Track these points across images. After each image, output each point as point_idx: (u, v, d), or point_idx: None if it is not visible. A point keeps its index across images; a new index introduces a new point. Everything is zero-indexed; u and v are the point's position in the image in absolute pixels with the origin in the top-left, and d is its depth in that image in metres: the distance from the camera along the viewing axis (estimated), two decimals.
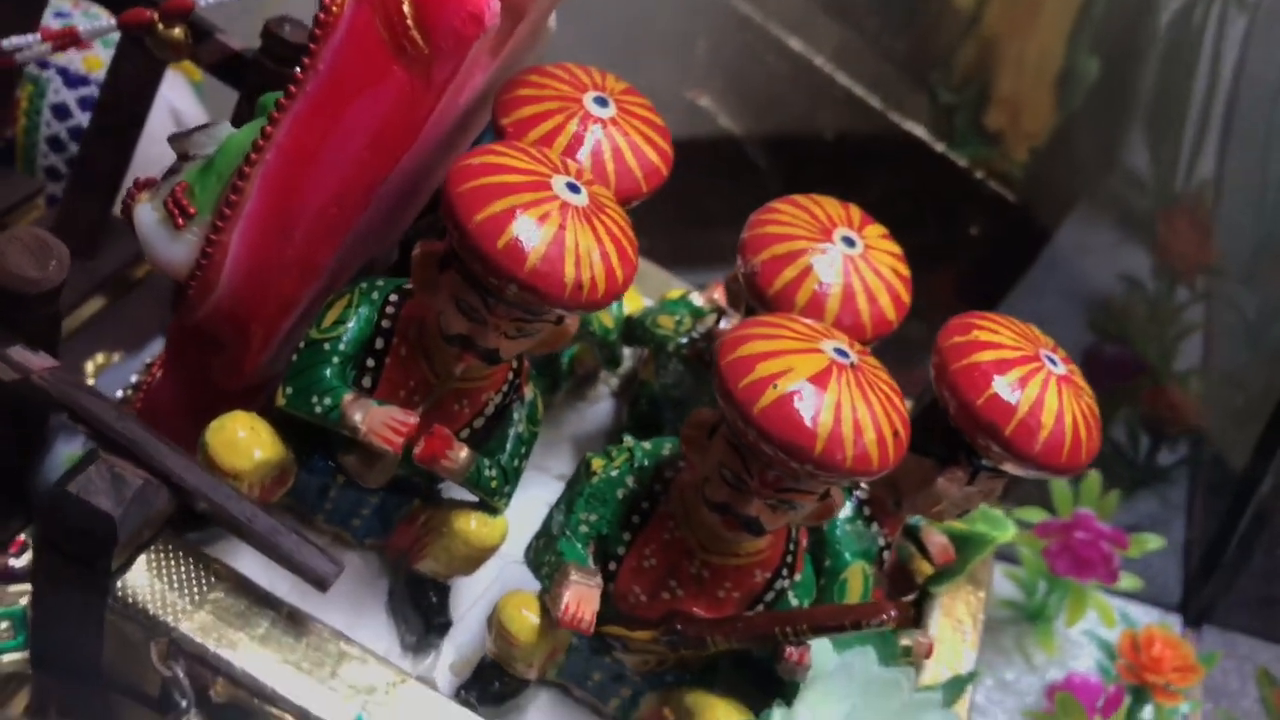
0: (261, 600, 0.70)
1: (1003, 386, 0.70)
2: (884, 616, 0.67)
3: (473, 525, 0.74)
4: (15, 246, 0.66)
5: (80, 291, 0.89)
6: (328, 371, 0.70)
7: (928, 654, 0.81)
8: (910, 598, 0.85)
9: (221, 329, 0.70)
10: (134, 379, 0.86)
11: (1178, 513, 1.33)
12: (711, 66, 1.38)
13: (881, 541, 0.78)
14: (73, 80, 1.02)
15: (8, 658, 0.72)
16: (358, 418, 0.69)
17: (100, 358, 0.87)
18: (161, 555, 0.69)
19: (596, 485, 0.72)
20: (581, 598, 0.70)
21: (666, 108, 0.81)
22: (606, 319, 0.86)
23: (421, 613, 0.76)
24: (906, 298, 0.78)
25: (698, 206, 1.22)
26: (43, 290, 0.66)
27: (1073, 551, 1.11)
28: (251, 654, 0.68)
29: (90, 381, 0.85)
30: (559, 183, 0.66)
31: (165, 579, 0.69)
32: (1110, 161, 1.33)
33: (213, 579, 0.70)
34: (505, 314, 0.67)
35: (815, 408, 0.63)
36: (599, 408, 0.98)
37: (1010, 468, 0.72)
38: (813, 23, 1.33)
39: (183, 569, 0.70)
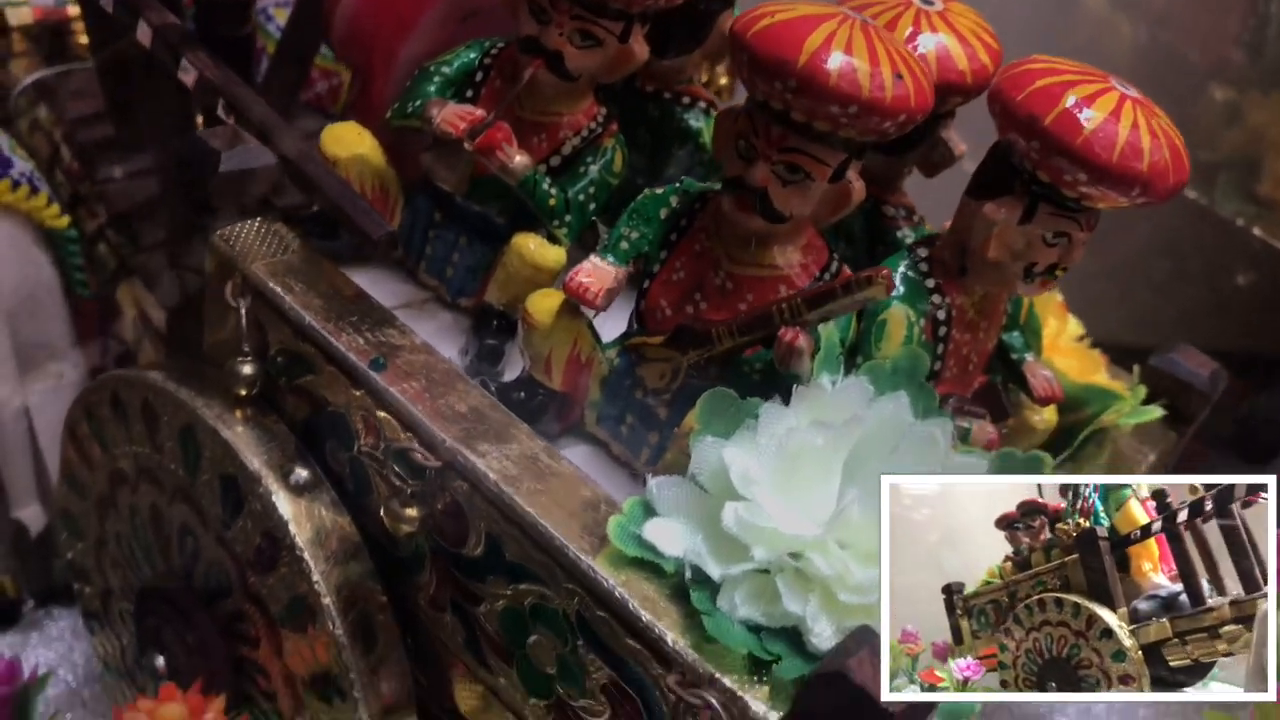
0: (327, 272, 0.78)
1: (1047, 83, 0.66)
2: (873, 277, 0.63)
3: (531, 245, 0.78)
4: None
5: None
6: (429, 87, 0.79)
7: (988, 447, 0.71)
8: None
9: (353, 53, 0.83)
10: None
11: None
12: None
13: (936, 300, 0.72)
14: None
15: None
16: (434, 111, 0.77)
17: None
18: (262, 223, 0.79)
19: (641, 202, 0.74)
20: (596, 273, 0.71)
21: None
22: None
23: (477, 337, 0.79)
24: (986, 56, 0.75)
25: None
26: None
27: None
28: (301, 298, 0.75)
29: None
30: None
31: (256, 234, 0.79)
32: None
33: (293, 248, 0.79)
34: (566, 10, 0.74)
35: (807, 30, 0.64)
36: None
37: (1055, 173, 0.66)
38: None
39: (273, 234, 0.79)
